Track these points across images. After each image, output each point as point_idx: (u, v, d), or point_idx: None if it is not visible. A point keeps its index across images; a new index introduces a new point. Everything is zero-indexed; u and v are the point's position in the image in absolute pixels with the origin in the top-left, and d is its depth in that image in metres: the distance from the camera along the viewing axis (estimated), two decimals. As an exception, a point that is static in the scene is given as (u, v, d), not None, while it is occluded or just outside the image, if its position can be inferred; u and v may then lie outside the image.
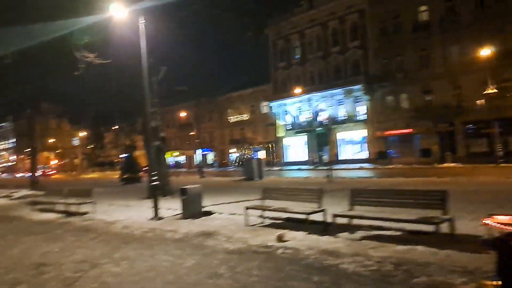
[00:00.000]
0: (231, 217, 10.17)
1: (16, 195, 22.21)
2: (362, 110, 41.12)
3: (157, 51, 15.06)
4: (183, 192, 10.73)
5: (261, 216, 9.24)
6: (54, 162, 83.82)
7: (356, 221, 7.63)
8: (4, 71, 21.90)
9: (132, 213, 12.49)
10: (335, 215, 7.37)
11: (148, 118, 13.96)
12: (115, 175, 45.94)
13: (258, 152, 52.28)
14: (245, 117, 54.91)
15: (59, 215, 13.22)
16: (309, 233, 7.49)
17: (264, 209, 9.00)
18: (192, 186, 11.01)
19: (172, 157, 61.47)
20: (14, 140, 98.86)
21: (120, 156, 38.62)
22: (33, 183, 25.20)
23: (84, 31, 12.89)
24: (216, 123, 59.50)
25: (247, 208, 9.03)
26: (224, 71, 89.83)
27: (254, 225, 8.89)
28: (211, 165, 56.95)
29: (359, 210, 7.54)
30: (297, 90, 40.84)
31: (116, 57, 15.19)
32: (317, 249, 6.52)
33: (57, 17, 12.82)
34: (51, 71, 23.99)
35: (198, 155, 60.78)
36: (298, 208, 8.18)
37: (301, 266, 5.78)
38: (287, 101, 46.63)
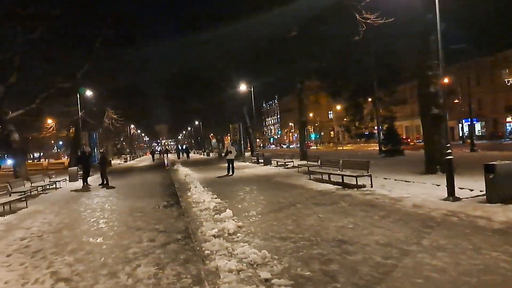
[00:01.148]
0: None
1: (290, 164, 24.39)
2: None
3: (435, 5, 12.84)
4: (488, 169, 8.58)
5: None
6: (312, 134, 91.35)
7: None
8: (282, 48, 23.55)
9: (415, 190, 11.15)
10: None
11: (428, 82, 12.11)
12: (369, 147, 45.58)
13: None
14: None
15: (337, 187, 13.17)
16: None
17: None
18: (502, 162, 8.68)
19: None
20: (278, 116, 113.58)
21: (375, 127, 37.55)
22: (304, 154, 27.15)
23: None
24: (487, 88, 50.68)
25: None
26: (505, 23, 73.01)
27: None
28: (480, 137, 49.19)
29: None
30: None
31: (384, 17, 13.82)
32: None
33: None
34: (324, 45, 24.54)
35: (461, 126, 53.69)
36: None
37: None
38: None
